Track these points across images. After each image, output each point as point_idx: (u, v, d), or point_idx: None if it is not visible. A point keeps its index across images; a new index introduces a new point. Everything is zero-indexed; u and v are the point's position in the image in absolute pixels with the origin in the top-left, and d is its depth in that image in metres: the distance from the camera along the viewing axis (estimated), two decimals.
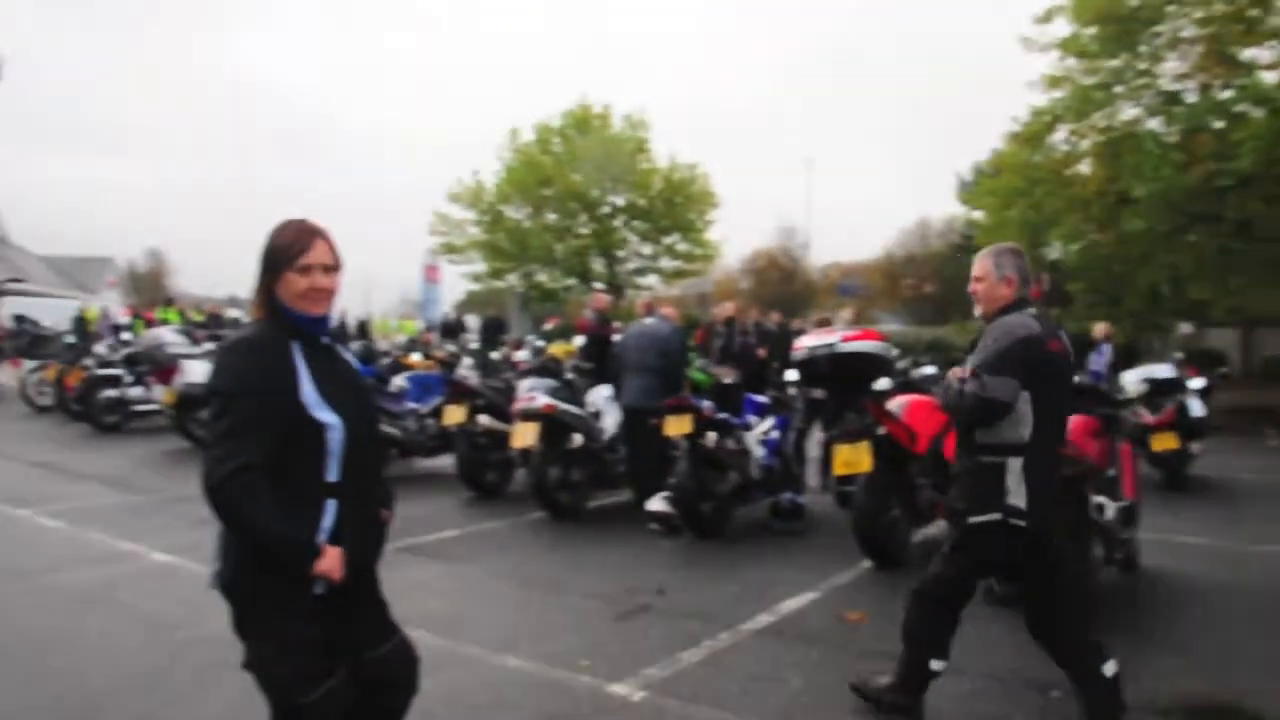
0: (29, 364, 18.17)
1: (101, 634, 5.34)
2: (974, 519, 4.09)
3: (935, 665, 4.26)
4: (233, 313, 30.40)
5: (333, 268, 2.73)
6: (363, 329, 30.96)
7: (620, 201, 34.78)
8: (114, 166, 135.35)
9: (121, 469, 11.06)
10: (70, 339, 19.16)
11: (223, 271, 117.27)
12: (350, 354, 2.92)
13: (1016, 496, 3.98)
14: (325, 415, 2.61)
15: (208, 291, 68.47)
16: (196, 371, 12.35)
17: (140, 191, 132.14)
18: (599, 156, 33.47)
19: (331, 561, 2.59)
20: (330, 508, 2.65)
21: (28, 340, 20.59)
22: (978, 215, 27.21)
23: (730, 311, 13.79)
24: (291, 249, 2.68)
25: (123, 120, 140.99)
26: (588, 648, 5.23)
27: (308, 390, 2.60)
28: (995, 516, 4.02)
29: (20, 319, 22.87)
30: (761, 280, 48.35)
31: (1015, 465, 4.00)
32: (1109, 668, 4.06)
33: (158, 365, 13.05)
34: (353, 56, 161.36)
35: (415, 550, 7.34)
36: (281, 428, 2.57)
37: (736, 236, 64.94)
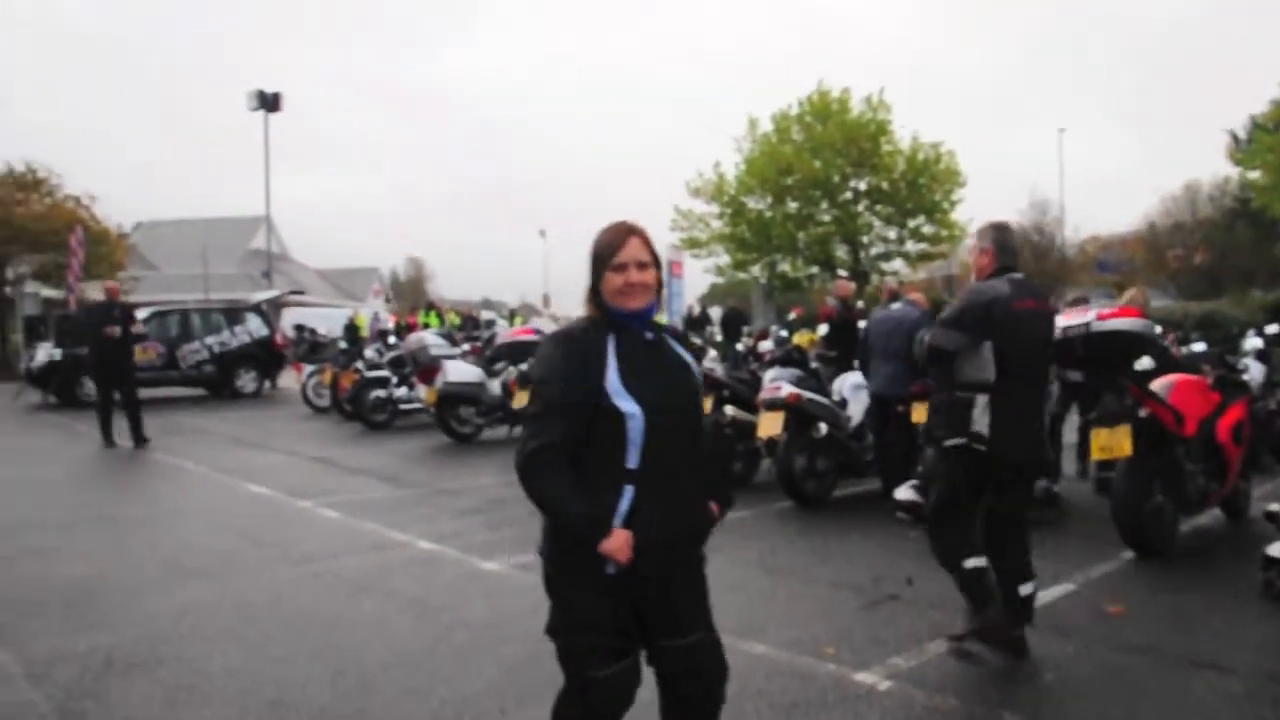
0: (308, 368, 19.55)
1: (375, 616, 5.69)
2: (948, 442, 4.88)
3: (971, 564, 4.85)
4: (486, 314, 31.74)
5: (647, 264, 2.81)
6: None
7: (862, 186, 34.17)
8: (375, 183, 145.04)
9: (390, 464, 11.74)
10: (343, 344, 20.48)
11: (474, 274, 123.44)
12: (682, 349, 2.97)
13: (980, 425, 4.72)
14: (625, 404, 2.69)
15: (464, 294, 71.96)
16: (456, 372, 13.00)
17: (399, 204, 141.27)
18: (839, 141, 33.00)
19: (617, 543, 2.68)
20: (627, 493, 2.73)
21: (306, 347, 22.14)
22: (1255, 175, 25.11)
23: None
24: (608, 248, 2.80)
25: (380, 140, 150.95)
26: (834, 636, 5.19)
27: (612, 379, 2.70)
28: (962, 440, 4.79)
29: (300, 328, 24.61)
30: None
31: (982, 400, 4.73)
32: (1026, 588, 4.80)
33: (421, 366, 13.78)
34: (580, 61, 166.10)
35: None
36: (586, 413, 2.70)
37: (984, 214, 62.25)
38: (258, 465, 11.64)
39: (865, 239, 34.70)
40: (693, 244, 35.95)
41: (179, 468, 11.64)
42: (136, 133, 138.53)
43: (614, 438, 2.72)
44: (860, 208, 34.31)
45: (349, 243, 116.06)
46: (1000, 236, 5.00)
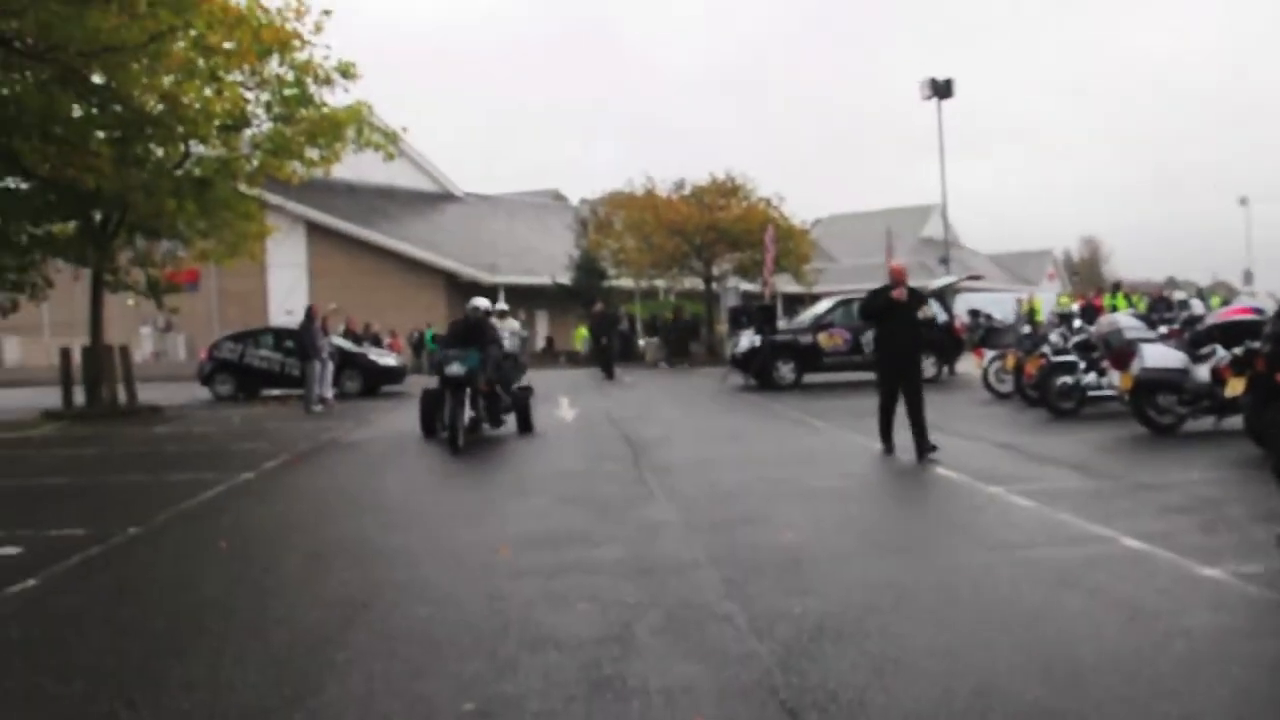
0: (989, 354, 19.37)
1: (1080, 612, 5.38)
2: None
3: None
4: (1178, 294, 29.19)
5: None
6: None
7: None
8: (1045, 164, 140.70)
9: (1080, 453, 11.20)
10: (1025, 329, 20.01)
11: (1156, 252, 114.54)
12: None
13: None
14: None
15: (1145, 274, 67.30)
16: (1155, 356, 12.04)
17: (1070, 184, 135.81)
18: None
19: None
20: None
21: (982, 332, 21.95)
22: None
23: None
24: None
25: (1049, 121, 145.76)
26: None
27: None
28: None
29: (974, 313, 24.50)
30: None
31: None
32: None
33: (1113, 351, 12.95)
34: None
35: None
36: None
37: None
38: (943, 448, 11.69)
39: None
40: None
41: (867, 447, 12.07)
42: (815, 135, 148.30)
43: None
44: None
45: (1018, 226, 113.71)
46: None
